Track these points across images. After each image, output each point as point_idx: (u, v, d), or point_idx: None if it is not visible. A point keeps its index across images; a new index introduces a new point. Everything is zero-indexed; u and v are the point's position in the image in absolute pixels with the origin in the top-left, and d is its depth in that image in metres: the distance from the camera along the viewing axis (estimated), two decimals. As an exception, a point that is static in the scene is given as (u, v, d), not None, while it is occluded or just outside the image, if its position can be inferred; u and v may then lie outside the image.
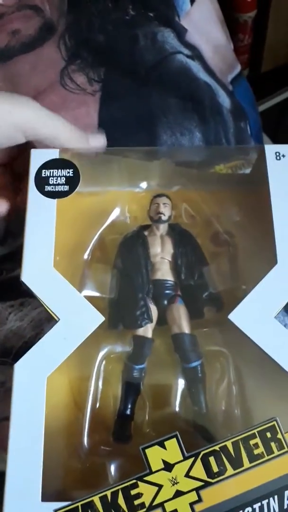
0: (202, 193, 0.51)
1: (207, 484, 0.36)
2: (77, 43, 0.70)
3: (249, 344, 0.41)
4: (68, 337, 0.41)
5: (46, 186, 0.45)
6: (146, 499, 0.36)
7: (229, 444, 0.37)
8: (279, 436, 0.37)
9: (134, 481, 0.37)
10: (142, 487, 0.36)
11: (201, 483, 0.36)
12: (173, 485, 0.36)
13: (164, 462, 0.37)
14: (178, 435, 0.38)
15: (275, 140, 1.04)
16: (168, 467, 0.37)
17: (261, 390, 0.44)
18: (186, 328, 0.45)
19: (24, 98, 0.45)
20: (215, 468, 0.37)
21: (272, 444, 0.37)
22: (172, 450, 0.37)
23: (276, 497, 0.36)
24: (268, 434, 0.37)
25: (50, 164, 0.46)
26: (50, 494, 0.38)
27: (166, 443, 0.37)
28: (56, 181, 0.45)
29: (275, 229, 0.43)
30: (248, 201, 0.49)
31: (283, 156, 0.45)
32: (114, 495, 0.36)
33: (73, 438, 0.44)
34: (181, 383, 0.45)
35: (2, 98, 0.44)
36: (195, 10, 0.73)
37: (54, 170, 0.46)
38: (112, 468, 0.42)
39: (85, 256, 0.49)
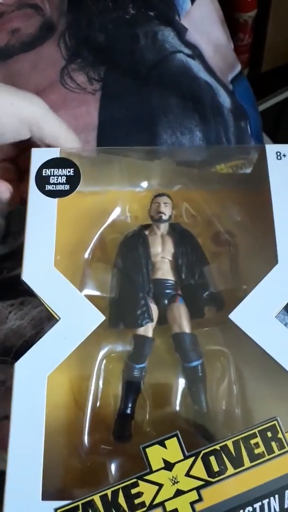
0: (203, 193, 0.51)
1: (207, 484, 0.36)
2: (77, 42, 0.70)
3: (249, 344, 0.41)
4: (68, 336, 0.41)
5: (46, 185, 0.45)
6: (147, 498, 0.36)
7: (229, 443, 0.37)
8: (280, 435, 0.38)
9: (135, 480, 0.37)
10: (143, 486, 0.36)
11: (201, 483, 0.36)
12: (174, 484, 0.36)
13: (165, 461, 0.37)
14: (179, 434, 0.38)
15: (275, 140, 1.04)
16: (168, 466, 0.37)
17: (262, 389, 0.44)
18: (186, 328, 0.45)
19: (30, 94, 0.46)
20: (215, 468, 0.37)
21: (273, 443, 0.37)
22: (173, 449, 0.37)
23: (276, 496, 0.36)
24: (269, 434, 0.38)
25: (50, 163, 0.46)
26: (51, 493, 0.38)
27: (166, 442, 0.38)
28: (56, 180, 0.45)
29: (275, 228, 0.43)
30: (249, 201, 0.49)
31: (284, 155, 0.45)
32: (115, 494, 0.36)
33: (74, 437, 0.44)
34: (181, 382, 0.45)
35: (10, 92, 0.44)
36: (196, 9, 0.73)
37: (55, 169, 0.46)
38: (113, 467, 0.42)
39: (86, 255, 0.49)
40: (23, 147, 0.48)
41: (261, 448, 0.37)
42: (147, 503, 0.36)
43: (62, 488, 0.41)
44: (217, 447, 0.37)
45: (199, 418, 0.43)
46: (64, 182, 0.45)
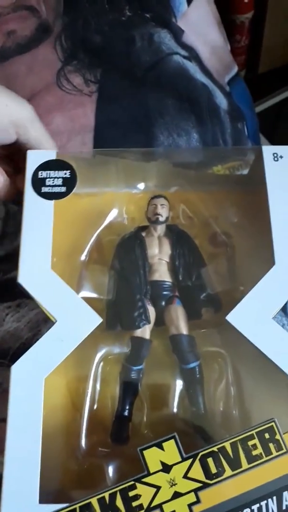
0: (200, 194, 0.51)
1: (205, 486, 0.36)
2: (73, 44, 0.70)
3: (247, 345, 0.41)
4: (65, 339, 0.41)
5: (43, 187, 0.45)
6: (144, 500, 0.36)
7: (227, 445, 0.37)
8: (278, 437, 0.37)
9: (132, 482, 0.36)
10: (140, 489, 0.36)
11: (199, 484, 0.36)
12: (171, 486, 0.36)
13: (162, 463, 0.37)
14: (176, 437, 0.38)
15: (273, 141, 1.04)
16: (166, 468, 0.37)
17: (259, 391, 0.44)
18: (184, 329, 0.45)
19: (22, 99, 0.47)
20: (213, 469, 0.37)
21: (271, 445, 0.37)
22: (170, 451, 0.37)
23: (274, 498, 0.36)
24: (267, 435, 0.37)
25: (46, 165, 0.46)
26: (48, 496, 0.38)
27: (164, 444, 0.37)
28: (53, 182, 0.45)
29: (272, 230, 0.43)
30: (245, 202, 0.49)
31: (281, 157, 0.45)
32: (112, 496, 0.36)
33: (71, 440, 0.44)
34: (179, 384, 0.45)
35: (6, 94, 0.45)
36: (192, 11, 0.73)
37: (51, 172, 0.46)
38: (110, 469, 0.42)
39: (83, 258, 0.49)
40: (11, 150, 0.48)
41: (259, 450, 0.37)
42: (145, 506, 0.36)
43: (59, 491, 0.41)
44: (215, 449, 0.37)
45: (196, 420, 0.43)
46: (61, 184, 0.45)
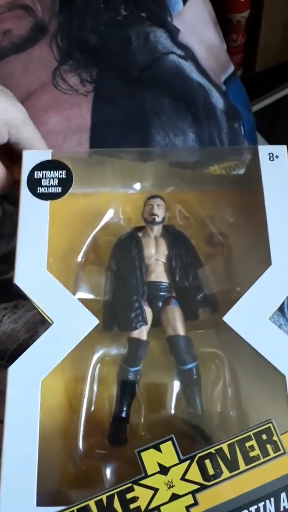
0: (196, 194, 0.51)
1: (203, 487, 0.36)
2: (69, 43, 0.69)
3: (244, 346, 0.41)
4: (62, 340, 0.41)
5: (38, 188, 0.45)
6: (142, 503, 0.36)
7: (224, 446, 0.37)
8: (275, 438, 0.37)
9: (130, 484, 0.36)
10: (138, 491, 0.36)
11: (197, 486, 0.36)
12: (169, 488, 0.36)
13: (160, 465, 0.37)
14: (174, 438, 0.37)
15: (270, 140, 1.04)
16: (163, 470, 0.37)
17: (257, 391, 0.44)
18: (181, 330, 0.45)
19: (16, 100, 0.47)
20: (211, 471, 0.37)
21: (268, 446, 0.37)
22: (168, 453, 0.37)
23: (272, 499, 0.36)
24: (264, 436, 0.37)
25: (42, 166, 0.46)
26: (45, 498, 0.37)
27: (161, 446, 0.37)
28: (48, 183, 0.45)
29: (269, 230, 0.43)
30: (242, 202, 0.49)
31: (277, 157, 0.45)
32: (110, 499, 0.36)
33: (69, 441, 0.44)
34: (176, 385, 0.45)
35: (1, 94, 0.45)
36: (188, 10, 0.73)
37: (47, 172, 0.45)
38: (108, 471, 0.42)
39: (79, 258, 0.49)
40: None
41: (256, 451, 0.37)
42: (143, 508, 0.36)
43: (57, 494, 0.41)
44: (212, 450, 0.37)
45: (194, 421, 0.43)
46: (56, 184, 0.45)
